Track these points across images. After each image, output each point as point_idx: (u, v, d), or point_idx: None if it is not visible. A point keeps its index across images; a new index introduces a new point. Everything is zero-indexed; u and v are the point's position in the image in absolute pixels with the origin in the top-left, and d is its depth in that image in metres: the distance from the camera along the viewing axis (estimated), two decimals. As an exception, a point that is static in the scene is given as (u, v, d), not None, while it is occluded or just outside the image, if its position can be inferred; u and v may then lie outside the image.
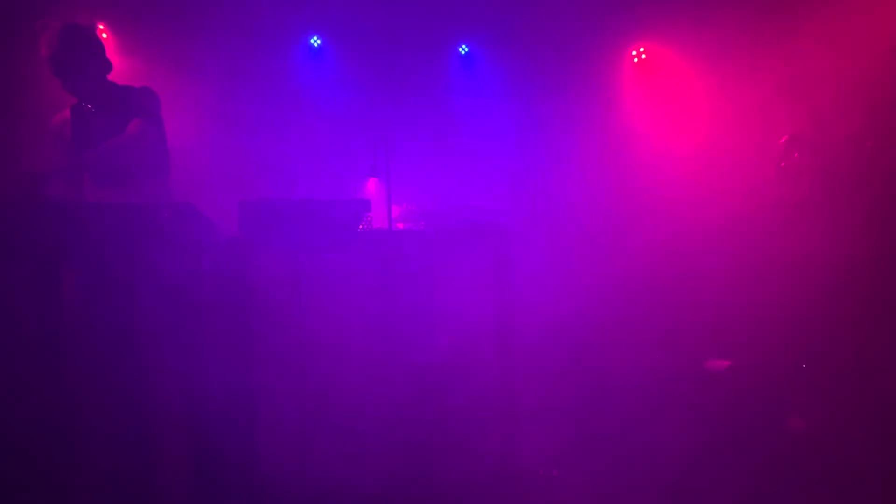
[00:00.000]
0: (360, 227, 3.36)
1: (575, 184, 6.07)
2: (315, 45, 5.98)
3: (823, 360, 4.22)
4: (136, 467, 2.44)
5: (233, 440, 2.66)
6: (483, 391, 3.62)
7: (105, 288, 2.50)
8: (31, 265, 2.36)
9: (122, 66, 5.31)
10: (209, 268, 2.70)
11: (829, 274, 4.31)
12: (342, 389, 3.62)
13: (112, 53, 3.27)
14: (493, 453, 3.35)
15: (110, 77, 3.24)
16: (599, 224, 5.91)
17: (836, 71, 5.00)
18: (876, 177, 4.47)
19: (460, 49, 6.26)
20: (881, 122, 4.64)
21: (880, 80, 4.81)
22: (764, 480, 3.01)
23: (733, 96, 5.69)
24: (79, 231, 2.40)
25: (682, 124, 6.04)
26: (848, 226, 4.38)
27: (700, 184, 5.71)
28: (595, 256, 5.66)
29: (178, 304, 2.50)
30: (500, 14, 6.09)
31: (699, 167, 5.79)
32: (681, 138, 6.00)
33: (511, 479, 3.09)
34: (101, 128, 3.14)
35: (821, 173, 4.58)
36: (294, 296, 3.51)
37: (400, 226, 3.92)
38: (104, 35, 5.36)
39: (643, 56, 6.26)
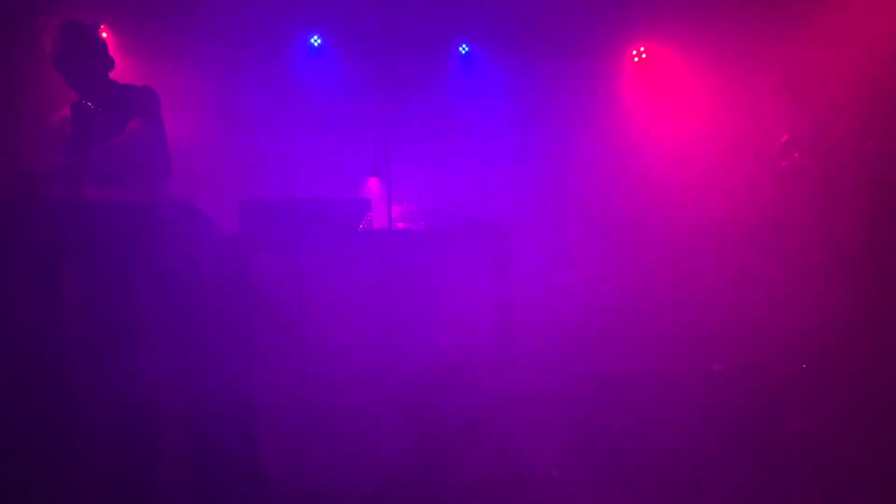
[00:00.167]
0: (361, 226, 3.36)
1: (575, 183, 6.07)
2: (315, 44, 5.98)
3: (824, 359, 4.22)
4: (136, 467, 2.43)
5: (233, 440, 2.66)
6: (483, 391, 3.62)
7: (105, 287, 2.50)
8: (31, 264, 2.35)
9: (122, 65, 5.29)
10: (209, 267, 2.70)
11: (829, 273, 4.32)
12: (342, 389, 3.62)
13: (112, 52, 3.26)
14: (494, 453, 3.35)
15: (111, 76, 3.24)
16: (600, 224, 5.91)
17: (837, 71, 5.00)
18: (876, 177, 4.47)
19: (461, 48, 6.26)
20: (881, 122, 4.64)
21: (880, 80, 4.81)
22: (765, 480, 3.01)
23: (733, 96, 5.69)
24: (79, 230, 2.40)
25: (682, 124, 6.03)
26: (848, 225, 4.38)
27: (700, 183, 5.71)
28: (596, 256, 5.66)
29: (179, 304, 2.49)
30: (500, 13, 6.09)
31: (699, 167, 5.79)
32: (681, 138, 5.99)
33: (511, 480, 3.09)
34: (101, 126, 3.14)
35: (821, 173, 4.58)
36: (294, 295, 3.51)
37: (400, 225, 3.91)
38: (104, 34, 5.36)
39: (643, 56, 6.26)
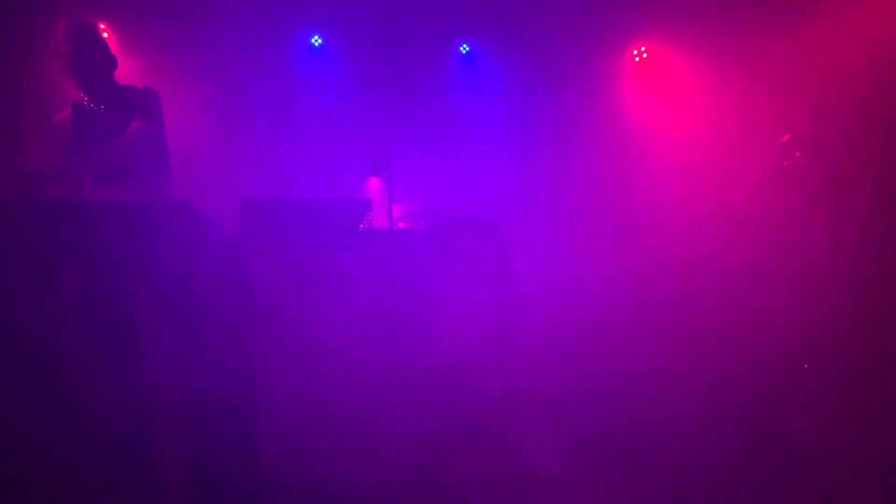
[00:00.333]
0: (361, 226, 3.36)
1: (576, 183, 6.06)
2: (316, 44, 5.98)
3: (825, 359, 4.22)
4: (136, 467, 2.43)
5: (233, 440, 2.66)
6: (484, 391, 3.62)
7: (105, 287, 2.49)
8: (31, 264, 2.35)
9: (122, 65, 5.27)
10: (210, 267, 2.69)
11: (831, 273, 4.31)
12: (342, 389, 3.62)
13: (113, 52, 3.27)
14: (495, 453, 3.35)
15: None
16: (601, 223, 5.90)
17: (838, 70, 4.99)
18: (877, 176, 4.46)
19: (461, 48, 6.26)
20: (882, 122, 4.63)
21: (882, 80, 4.80)
22: (766, 480, 3.01)
23: (734, 96, 5.69)
24: (79, 230, 2.39)
25: (682, 124, 6.03)
26: (850, 224, 4.37)
27: (701, 183, 5.70)
28: (596, 255, 5.65)
29: (179, 304, 2.49)
30: (500, 14, 6.09)
31: (700, 167, 5.79)
32: (682, 138, 5.99)
33: (512, 480, 3.09)
34: (102, 127, 3.14)
35: (822, 172, 4.58)
36: (295, 295, 3.50)
37: (401, 225, 3.91)
38: (105, 34, 5.36)
39: (644, 55, 6.25)
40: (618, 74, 6.33)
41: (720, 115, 5.75)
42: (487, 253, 3.68)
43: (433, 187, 5.74)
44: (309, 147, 5.74)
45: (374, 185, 5.64)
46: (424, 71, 6.13)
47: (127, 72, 5.18)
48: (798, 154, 4.68)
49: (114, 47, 5.34)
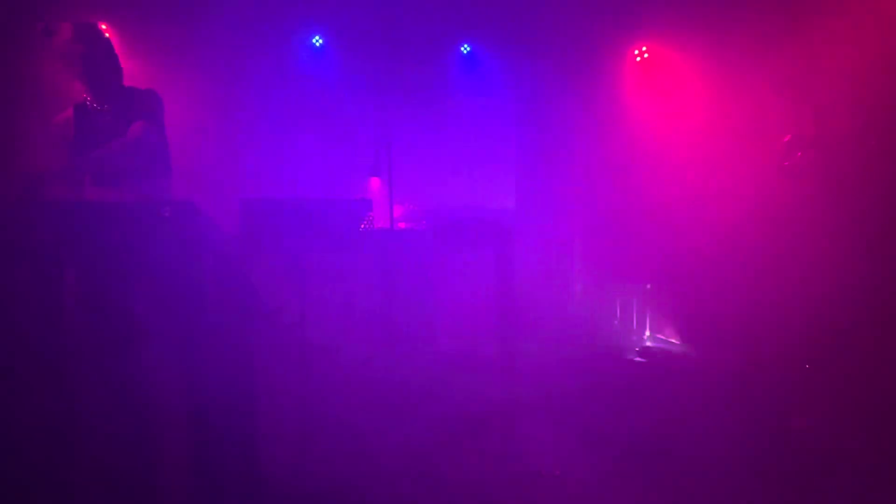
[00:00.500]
0: (362, 226, 3.36)
1: (577, 183, 6.06)
2: (317, 44, 5.98)
3: (827, 358, 4.21)
4: (136, 467, 2.43)
5: (234, 440, 2.65)
6: (485, 390, 3.62)
7: (106, 287, 2.49)
8: (32, 264, 2.35)
9: (124, 66, 5.30)
10: (210, 267, 2.69)
11: (833, 273, 4.30)
12: (343, 389, 3.62)
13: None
14: (495, 453, 3.35)
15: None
16: (602, 223, 5.90)
17: (840, 70, 4.98)
18: (879, 176, 4.45)
19: (462, 48, 6.26)
20: (885, 121, 4.62)
21: (884, 79, 4.79)
22: (768, 479, 3.00)
23: (735, 95, 5.68)
24: (79, 230, 2.39)
25: (684, 124, 6.02)
26: (851, 225, 4.36)
27: (702, 183, 5.70)
28: (597, 255, 5.65)
29: (179, 304, 2.49)
30: (501, 14, 6.09)
31: (701, 167, 5.78)
32: (683, 137, 5.98)
33: (513, 480, 3.09)
34: (103, 128, 3.14)
35: (824, 172, 4.57)
36: (295, 295, 3.50)
37: (402, 225, 3.91)
38: (106, 34, 5.36)
39: (646, 55, 6.25)
40: (619, 74, 6.32)
41: (721, 114, 5.74)
42: (488, 252, 3.68)
43: (434, 187, 5.74)
44: (310, 147, 5.75)
45: (375, 184, 5.64)
46: (425, 71, 6.13)
47: (127, 72, 5.18)
48: (800, 153, 4.67)
49: (114, 47, 5.35)
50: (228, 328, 2.75)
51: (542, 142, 6.16)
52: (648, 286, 5.64)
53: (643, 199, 5.94)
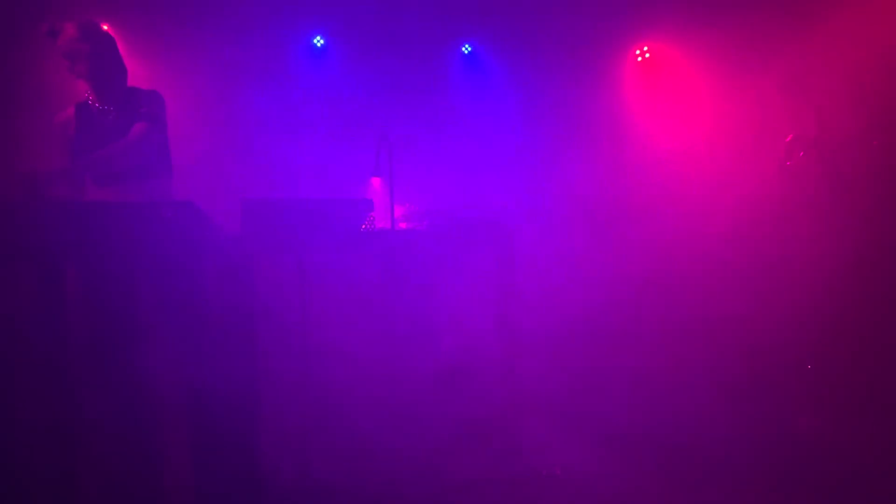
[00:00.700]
0: (363, 226, 3.35)
1: (578, 183, 6.05)
2: (318, 44, 5.98)
3: (829, 359, 4.20)
4: (138, 467, 2.43)
5: (235, 440, 2.65)
6: (486, 391, 3.62)
7: (107, 288, 2.49)
8: (33, 265, 2.35)
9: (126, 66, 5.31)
10: (211, 267, 2.69)
11: (835, 273, 4.30)
12: (345, 389, 3.61)
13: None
14: (496, 453, 3.34)
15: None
16: (603, 223, 5.89)
17: (842, 70, 4.97)
18: (882, 176, 4.45)
19: (463, 48, 6.25)
20: (887, 121, 4.61)
21: (886, 79, 4.79)
22: (774, 479, 3.00)
23: (737, 95, 5.67)
24: (81, 231, 2.39)
25: (685, 124, 6.02)
26: (853, 225, 4.36)
27: (704, 183, 5.69)
28: (598, 255, 5.64)
29: (181, 304, 2.49)
30: (503, 14, 6.08)
31: (703, 166, 5.77)
32: (685, 138, 5.97)
33: (513, 480, 3.08)
34: (105, 128, 3.14)
35: (826, 172, 4.56)
36: (296, 295, 3.50)
37: (403, 225, 3.90)
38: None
39: (647, 55, 6.24)
40: (620, 74, 6.31)
41: (723, 114, 5.74)
42: (490, 253, 3.68)
43: (435, 187, 5.74)
44: (311, 147, 5.74)
45: (376, 185, 5.63)
46: (427, 71, 6.12)
47: (129, 72, 5.19)
48: (802, 153, 4.67)
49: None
50: (230, 328, 2.75)
51: (543, 141, 6.16)
52: (650, 284, 5.63)
53: (643, 198, 5.93)
